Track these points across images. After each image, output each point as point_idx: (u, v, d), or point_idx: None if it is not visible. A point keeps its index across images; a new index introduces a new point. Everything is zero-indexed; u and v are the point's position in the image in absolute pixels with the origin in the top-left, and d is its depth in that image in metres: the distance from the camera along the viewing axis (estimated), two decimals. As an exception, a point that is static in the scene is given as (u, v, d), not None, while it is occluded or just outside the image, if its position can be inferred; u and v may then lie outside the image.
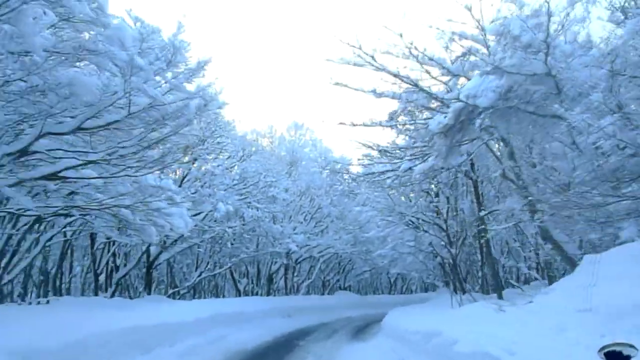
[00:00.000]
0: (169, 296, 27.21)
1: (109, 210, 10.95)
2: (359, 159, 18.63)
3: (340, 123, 12.79)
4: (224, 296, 35.34)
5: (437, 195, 20.19)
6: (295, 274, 37.65)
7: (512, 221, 12.91)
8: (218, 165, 21.72)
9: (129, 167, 9.88)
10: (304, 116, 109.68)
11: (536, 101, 9.38)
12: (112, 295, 23.71)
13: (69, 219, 17.69)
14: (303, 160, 33.74)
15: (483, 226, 15.45)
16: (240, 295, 32.54)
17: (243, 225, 27.21)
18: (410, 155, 14.39)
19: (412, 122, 12.83)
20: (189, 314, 17.49)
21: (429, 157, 13.35)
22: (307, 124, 58.39)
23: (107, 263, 24.41)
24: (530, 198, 11.15)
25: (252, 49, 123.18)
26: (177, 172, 23.93)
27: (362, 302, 41.75)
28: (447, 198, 19.29)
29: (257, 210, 23.62)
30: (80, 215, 12.90)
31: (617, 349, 2.87)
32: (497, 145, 12.91)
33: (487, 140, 12.27)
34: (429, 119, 13.81)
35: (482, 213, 14.89)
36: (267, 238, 28.43)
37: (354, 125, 12.76)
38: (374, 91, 13.04)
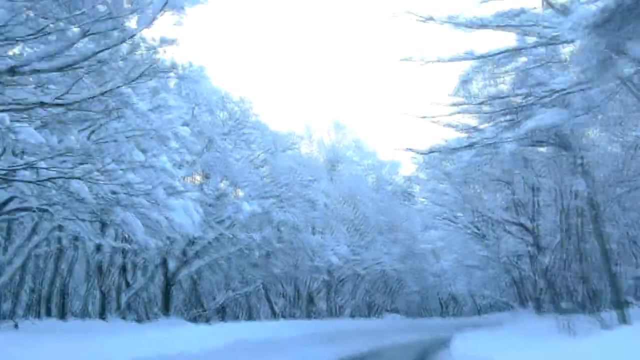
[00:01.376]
0: (192, 319, 23.39)
1: (52, 183, 7.15)
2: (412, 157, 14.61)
3: (404, 59, 8.75)
4: (258, 319, 31.34)
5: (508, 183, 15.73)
6: (338, 296, 33.45)
7: None
8: (241, 158, 17.89)
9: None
10: (345, 116, 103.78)
11: None
12: (123, 317, 20.08)
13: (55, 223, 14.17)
14: (345, 163, 29.65)
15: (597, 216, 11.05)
16: (276, 318, 28.52)
17: (279, 236, 23.30)
18: (499, 119, 10.21)
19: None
20: (200, 342, 13.62)
21: (532, 113, 9.15)
22: (349, 124, 53.27)
23: (118, 279, 20.89)
24: None
25: (286, 45, 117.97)
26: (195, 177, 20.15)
27: (413, 325, 37.22)
28: (533, 189, 14.84)
29: (292, 215, 19.61)
30: (39, 206, 9.13)
31: None
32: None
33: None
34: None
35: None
36: (305, 251, 24.38)
37: (425, 62, 8.70)
38: (452, 20, 8.94)
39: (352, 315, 35.11)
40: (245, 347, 15.49)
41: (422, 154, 11.73)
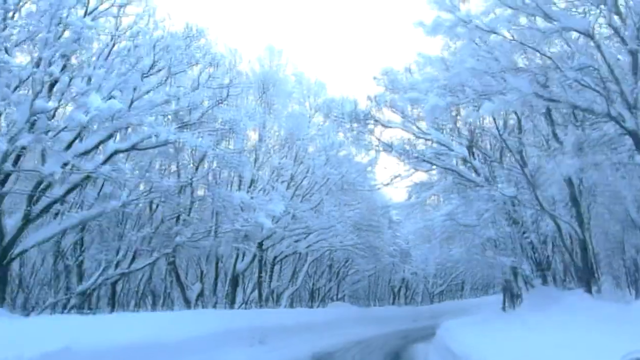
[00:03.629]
0: (43, 308, 15.48)
1: None
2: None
3: None
4: (169, 308, 23.57)
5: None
6: (274, 280, 26.21)
7: None
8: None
9: None
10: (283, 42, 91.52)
11: None
12: None
13: None
14: (282, 97, 21.94)
15: None
16: (190, 307, 21.19)
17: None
18: None
19: None
20: None
21: None
22: (288, 51, 42.57)
23: None
24: None
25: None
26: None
27: (367, 316, 30.82)
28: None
29: (195, 139, 12.10)
30: None
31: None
32: None
33: None
34: None
35: None
36: (225, 211, 16.99)
37: None
38: None
39: (291, 304, 28.07)
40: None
41: None
